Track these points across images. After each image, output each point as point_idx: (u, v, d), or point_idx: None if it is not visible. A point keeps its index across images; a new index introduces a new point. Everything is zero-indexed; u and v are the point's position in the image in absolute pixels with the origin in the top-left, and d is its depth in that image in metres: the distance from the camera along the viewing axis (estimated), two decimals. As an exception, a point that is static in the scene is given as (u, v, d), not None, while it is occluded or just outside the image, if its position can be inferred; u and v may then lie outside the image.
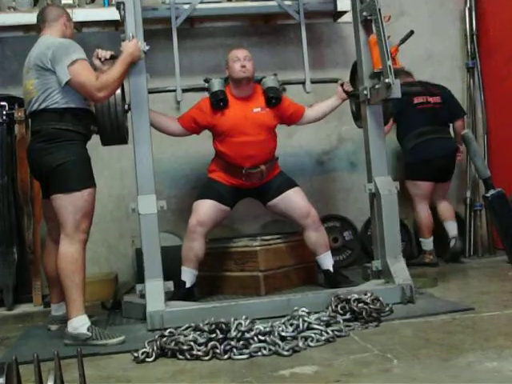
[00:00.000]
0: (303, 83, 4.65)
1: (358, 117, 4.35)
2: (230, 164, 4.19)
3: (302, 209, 4.21)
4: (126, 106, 3.81)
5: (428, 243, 5.15)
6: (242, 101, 4.23)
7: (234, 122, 4.14)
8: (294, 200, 4.23)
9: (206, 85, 4.26)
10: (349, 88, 4.34)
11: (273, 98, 4.21)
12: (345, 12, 5.21)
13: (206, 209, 4.11)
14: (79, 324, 3.27)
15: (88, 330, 3.25)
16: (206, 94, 4.26)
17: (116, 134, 3.76)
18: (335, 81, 4.50)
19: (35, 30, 3.69)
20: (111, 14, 4.81)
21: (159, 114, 4.22)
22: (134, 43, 3.61)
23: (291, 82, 4.66)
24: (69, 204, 3.32)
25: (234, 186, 4.23)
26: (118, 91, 3.71)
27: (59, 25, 3.55)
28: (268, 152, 4.24)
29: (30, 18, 4.76)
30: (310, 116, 4.44)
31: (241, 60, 4.15)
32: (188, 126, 4.25)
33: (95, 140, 3.78)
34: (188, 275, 4.08)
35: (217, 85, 4.20)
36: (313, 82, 4.67)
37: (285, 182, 4.30)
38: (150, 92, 3.86)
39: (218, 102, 4.15)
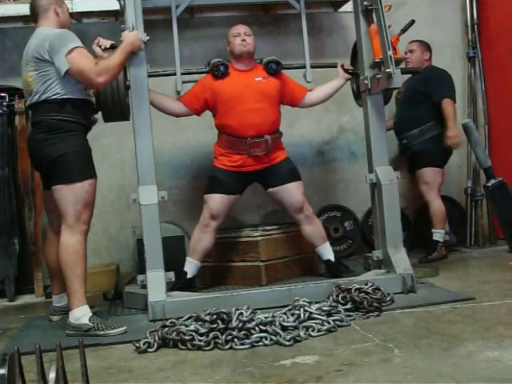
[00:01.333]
0: (303, 67, 4.59)
1: (358, 96, 4.35)
2: (234, 136, 4.15)
3: (295, 204, 4.20)
4: (128, 83, 3.79)
5: (441, 234, 4.93)
6: (243, 72, 4.23)
7: (236, 90, 4.13)
8: (291, 193, 4.21)
9: (208, 68, 4.26)
10: (349, 67, 4.37)
11: (273, 63, 4.22)
12: (345, 1, 5.21)
13: (216, 202, 4.12)
14: (81, 314, 3.29)
15: (90, 320, 3.27)
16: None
17: (118, 110, 3.77)
18: (335, 65, 4.48)
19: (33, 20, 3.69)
20: (111, 4, 4.81)
21: (160, 95, 4.21)
22: (134, 33, 3.62)
23: (292, 66, 4.60)
24: (70, 195, 3.33)
25: (239, 171, 4.18)
26: None
27: (51, 13, 3.53)
28: (271, 122, 4.20)
29: (30, 8, 4.76)
30: (313, 97, 4.41)
31: (241, 35, 4.19)
32: (190, 103, 4.23)
33: (95, 131, 3.79)
34: (191, 266, 4.09)
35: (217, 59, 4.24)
36: (313, 66, 4.63)
37: (290, 173, 4.27)
38: (150, 76, 3.86)
39: (218, 67, 4.15)
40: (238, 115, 4.11)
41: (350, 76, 4.36)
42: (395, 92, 4.94)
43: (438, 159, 4.94)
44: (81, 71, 3.32)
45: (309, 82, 4.54)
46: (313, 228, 4.24)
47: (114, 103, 3.72)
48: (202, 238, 4.09)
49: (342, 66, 4.37)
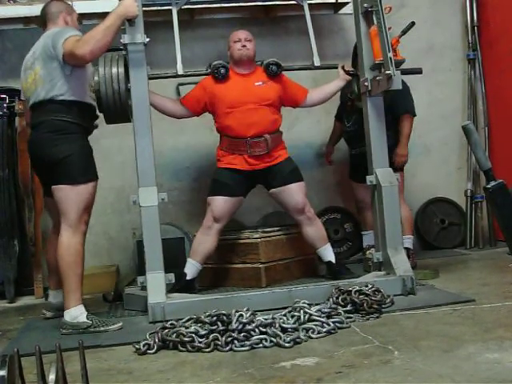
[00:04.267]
0: (306, 69, 4.58)
1: (359, 97, 4.34)
2: (234, 137, 4.19)
3: (296, 205, 4.22)
4: (129, 85, 3.75)
5: (411, 241, 4.78)
6: (244, 76, 4.27)
7: (235, 96, 4.17)
8: (292, 194, 4.23)
9: (209, 70, 4.30)
10: (349, 68, 4.37)
11: (272, 65, 4.25)
12: (345, 3, 5.21)
13: (220, 205, 4.15)
14: (78, 313, 3.34)
15: (87, 318, 3.33)
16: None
17: (119, 112, 3.75)
18: (335, 67, 4.49)
19: (37, 23, 3.71)
20: (112, 5, 4.77)
21: (161, 96, 4.24)
22: (130, 0, 3.55)
23: (293, 67, 4.58)
24: (74, 195, 3.37)
25: (242, 172, 4.20)
26: (121, 69, 3.69)
27: (60, 21, 3.61)
28: (271, 121, 4.23)
29: (30, 10, 4.76)
30: (314, 97, 4.44)
31: (241, 41, 4.24)
32: (190, 105, 4.28)
33: (96, 133, 3.81)
34: (191, 268, 4.09)
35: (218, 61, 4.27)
36: (313, 68, 4.61)
37: (292, 173, 4.28)
38: (150, 78, 3.86)
39: (219, 69, 4.19)
40: (237, 116, 4.15)
41: (350, 77, 4.36)
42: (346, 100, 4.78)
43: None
44: (69, 51, 3.33)
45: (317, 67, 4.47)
46: (314, 229, 4.24)
47: (115, 105, 3.70)
48: (204, 241, 4.10)
49: (343, 67, 4.38)
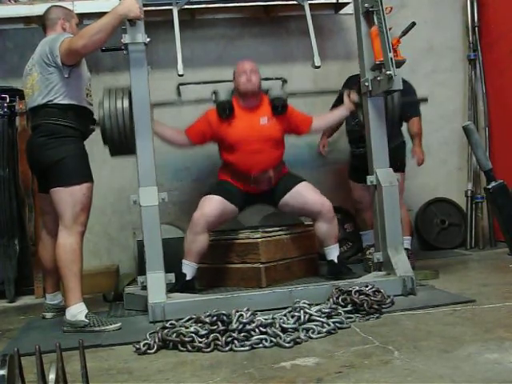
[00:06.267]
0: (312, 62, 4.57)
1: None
2: (237, 171, 4.27)
3: (315, 203, 4.23)
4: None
5: (409, 242, 4.78)
6: (249, 111, 4.30)
7: (241, 134, 4.22)
8: (305, 195, 4.27)
9: (213, 97, 4.38)
10: (355, 98, 4.34)
11: (278, 107, 4.29)
12: (346, 3, 5.21)
13: (212, 204, 4.14)
14: (77, 311, 3.37)
15: (86, 317, 3.37)
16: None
17: (124, 145, 3.79)
18: (341, 92, 4.52)
19: (38, 23, 3.73)
20: (112, 5, 4.77)
21: (166, 127, 4.28)
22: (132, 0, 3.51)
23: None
24: (68, 197, 3.41)
25: (243, 190, 4.29)
26: (126, 104, 3.72)
27: (58, 27, 3.66)
28: (275, 158, 4.31)
29: (31, 9, 4.77)
30: (318, 126, 4.53)
31: (246, 73, 4.24)
32: (196, 138, 4.34)
33: (97, 133, 3.81)
34: (189, 268, 4.08)
35: (223, 95, 4.33)
36: (317, 92, 4.71)
37: (291, 179, 4.35)
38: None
39: (225, 111, 4.23)
40: (241, 155, 4.23)
41: (354, 107, 4.36)
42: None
43: (404, 165, 4.83)
44: (65, 49, 3.39)
45: (317, 68, 4.46)
46: (330, 226, 4.26)
47: (119, 138, 3.74)
48: (194, 240, 4.08)
49: (349, 95, 4.37)
